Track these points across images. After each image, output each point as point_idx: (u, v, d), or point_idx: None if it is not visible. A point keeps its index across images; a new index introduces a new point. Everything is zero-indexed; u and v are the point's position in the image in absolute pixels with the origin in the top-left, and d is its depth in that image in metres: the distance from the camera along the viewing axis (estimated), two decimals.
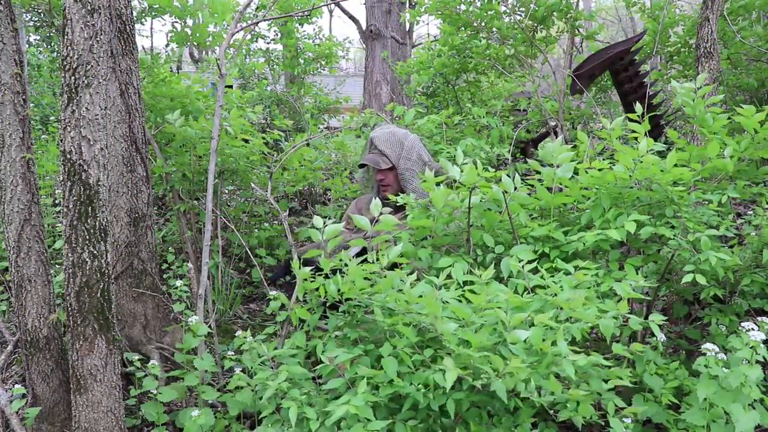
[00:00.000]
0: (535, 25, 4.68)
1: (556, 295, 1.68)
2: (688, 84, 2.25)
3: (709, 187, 2.31)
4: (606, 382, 1.67)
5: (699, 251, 1.93)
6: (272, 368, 2.04)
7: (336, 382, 1.82)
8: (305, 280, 1.99)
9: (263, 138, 3.87)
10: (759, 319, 1.80)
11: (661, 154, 2.22)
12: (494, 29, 4.74)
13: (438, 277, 1.79)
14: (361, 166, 2.96)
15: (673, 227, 2.04)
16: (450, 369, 1.50)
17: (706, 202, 2.22)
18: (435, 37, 8.23)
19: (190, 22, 4.56)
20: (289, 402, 1.78)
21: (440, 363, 1.58)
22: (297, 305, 2.14)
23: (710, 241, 1.94)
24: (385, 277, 1.81)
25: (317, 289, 1.97)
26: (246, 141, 3.67)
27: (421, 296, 1.69)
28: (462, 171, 2.06)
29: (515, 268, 1.85)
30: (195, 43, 4.67)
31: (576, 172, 2.21)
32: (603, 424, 1.79)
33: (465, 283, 1.91)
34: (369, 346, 1.89)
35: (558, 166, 2.14)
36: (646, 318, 2.48)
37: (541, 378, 1.55)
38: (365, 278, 1.85)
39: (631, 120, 2.34)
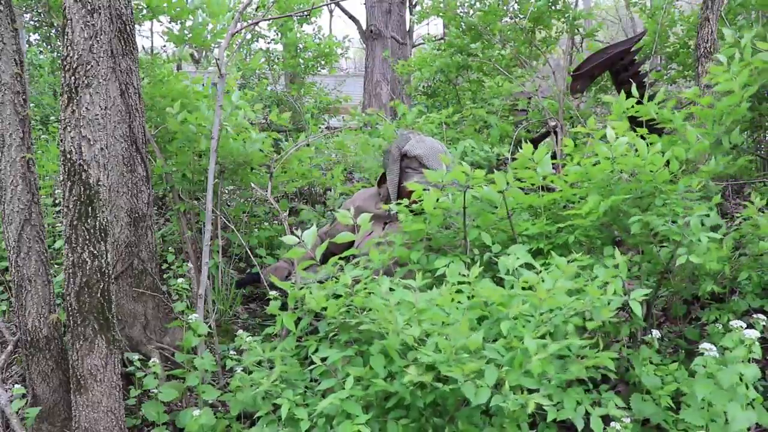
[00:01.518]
0: (533, 26, 4.68)
1: (531, 288, 1.67)
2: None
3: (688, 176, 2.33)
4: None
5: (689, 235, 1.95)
6: (270, 369, 2.05)
7: (329, 382, 1.83)
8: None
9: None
10: (755, 316, 1.80)
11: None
12: (496, 32, 4.75)
13: (437, 278, 1.80)
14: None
15: (664, 215, 2.05)
16: (412, 374, 1.52)
17: (694, 191, 2.25)
18: (436, 36, 8.23)
19: (188, 22, 4.56)
20: (282, 400, 1.80)
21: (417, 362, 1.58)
22: (289, 312, 2.15)
23: (699, 224, 1.94)
24: (358, 290, 1.83)
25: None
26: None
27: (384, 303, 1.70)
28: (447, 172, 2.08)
29: (509, 265, 1.85)
30: (193, 44, 4.67)
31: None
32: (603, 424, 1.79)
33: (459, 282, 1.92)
34: (363, 346, 1.90)
35: (534, 169, 2.15)
36: (646, 318, 2.49)
37: (521, 376, 1.54)
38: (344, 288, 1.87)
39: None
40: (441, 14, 4.96)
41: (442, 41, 5.46)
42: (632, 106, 2.37)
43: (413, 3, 10.42)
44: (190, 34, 3.77)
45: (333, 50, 8.54)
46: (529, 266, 1.91)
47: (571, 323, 1.65)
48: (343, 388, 1.71)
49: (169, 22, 4.37)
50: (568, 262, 1.81)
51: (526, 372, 1.53)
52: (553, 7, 4.67)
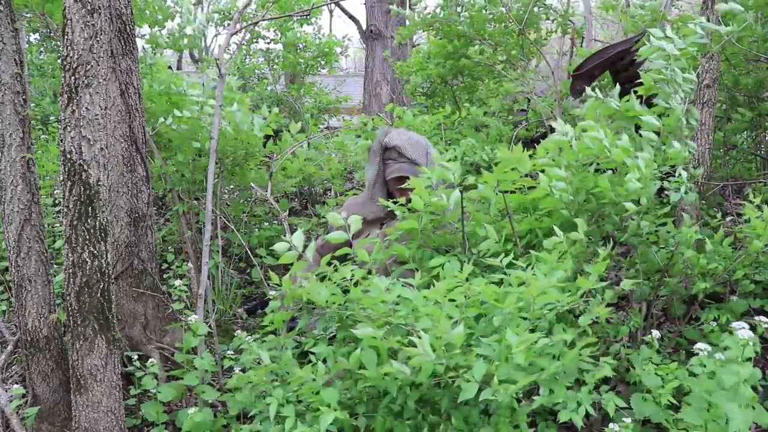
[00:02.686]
0: (522, 28, 4.68)
1: (521, 284, 1.66)
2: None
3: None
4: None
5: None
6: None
7: (321, 378, 1.83)
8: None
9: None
10: (755, 318, 1.80)
11: None
12: (486, 36, 4.74)
13: (435, 277, 1.79)
14: (399, 178, 2.59)
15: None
16: (397, 369, 1.52)
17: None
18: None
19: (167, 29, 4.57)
20: (271, 399, 1.81)
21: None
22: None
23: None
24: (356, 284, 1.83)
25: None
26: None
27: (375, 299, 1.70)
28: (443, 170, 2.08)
29: (494, 263, 1.86)
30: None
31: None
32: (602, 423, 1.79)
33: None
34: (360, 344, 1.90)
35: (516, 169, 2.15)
36: (646, 318, 2.49)
37: (511, 371, 1.53)
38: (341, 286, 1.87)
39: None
40: (429, 28, 4.93)
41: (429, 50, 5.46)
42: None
43: (412, 5, 10.41)
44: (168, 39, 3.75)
45: (333, 50, 8.53)
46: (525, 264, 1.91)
47: (558, 319, 1.65)
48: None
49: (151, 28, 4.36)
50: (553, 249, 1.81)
51: (517, 366, 1.53)
52: (540, 8, 4.67)
